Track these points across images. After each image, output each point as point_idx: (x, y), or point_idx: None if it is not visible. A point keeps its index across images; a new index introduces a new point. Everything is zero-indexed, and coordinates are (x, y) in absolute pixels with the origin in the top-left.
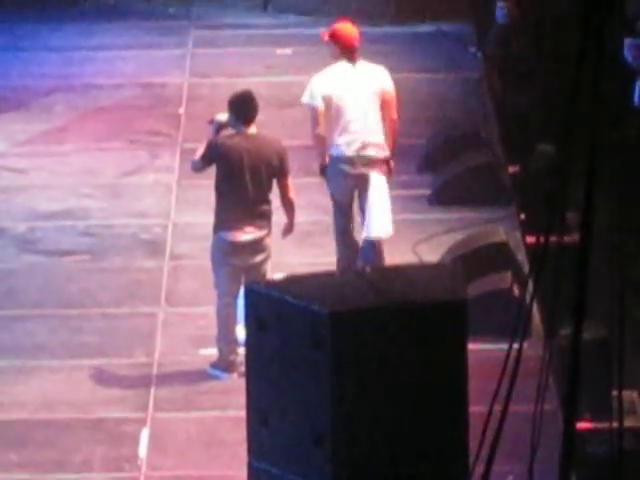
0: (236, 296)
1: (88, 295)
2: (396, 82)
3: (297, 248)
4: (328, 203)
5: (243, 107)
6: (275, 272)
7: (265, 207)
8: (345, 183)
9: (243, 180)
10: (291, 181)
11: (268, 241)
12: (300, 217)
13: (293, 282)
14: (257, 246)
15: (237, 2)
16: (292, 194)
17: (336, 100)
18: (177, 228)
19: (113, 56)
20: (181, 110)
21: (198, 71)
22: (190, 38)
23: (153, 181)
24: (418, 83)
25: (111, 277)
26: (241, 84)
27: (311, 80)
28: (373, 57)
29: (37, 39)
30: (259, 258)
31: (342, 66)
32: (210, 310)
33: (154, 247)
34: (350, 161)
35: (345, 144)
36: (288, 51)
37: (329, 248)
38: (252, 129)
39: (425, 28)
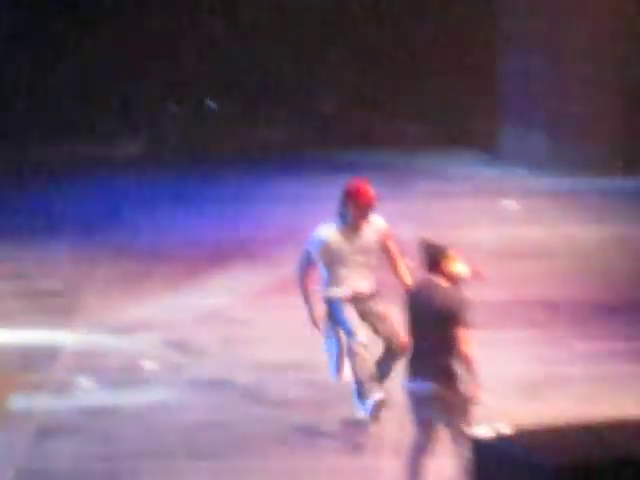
0: None
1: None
2: (620, 235)
3: (522, 399)
4: (549, 354)
5: None
6: (499, 423)
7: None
8: None
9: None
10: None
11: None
12: (524, 368)
13: (520, 435)
14: None
15: (462, 153)
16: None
17: None
18: None
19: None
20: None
21: (424, 223)
22: (416, 189)
23: None
24: None
25: (338, 429)
26: (466, 236)
27: None
28: (602, 210)
29: (260, 191)
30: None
31: None
32: None
33: None
34: None
35: None
36: (515, 203)
37: (553, 402)
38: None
39: None
